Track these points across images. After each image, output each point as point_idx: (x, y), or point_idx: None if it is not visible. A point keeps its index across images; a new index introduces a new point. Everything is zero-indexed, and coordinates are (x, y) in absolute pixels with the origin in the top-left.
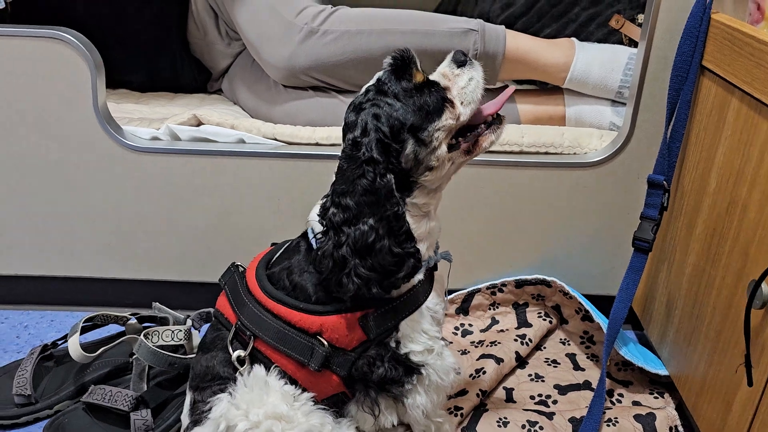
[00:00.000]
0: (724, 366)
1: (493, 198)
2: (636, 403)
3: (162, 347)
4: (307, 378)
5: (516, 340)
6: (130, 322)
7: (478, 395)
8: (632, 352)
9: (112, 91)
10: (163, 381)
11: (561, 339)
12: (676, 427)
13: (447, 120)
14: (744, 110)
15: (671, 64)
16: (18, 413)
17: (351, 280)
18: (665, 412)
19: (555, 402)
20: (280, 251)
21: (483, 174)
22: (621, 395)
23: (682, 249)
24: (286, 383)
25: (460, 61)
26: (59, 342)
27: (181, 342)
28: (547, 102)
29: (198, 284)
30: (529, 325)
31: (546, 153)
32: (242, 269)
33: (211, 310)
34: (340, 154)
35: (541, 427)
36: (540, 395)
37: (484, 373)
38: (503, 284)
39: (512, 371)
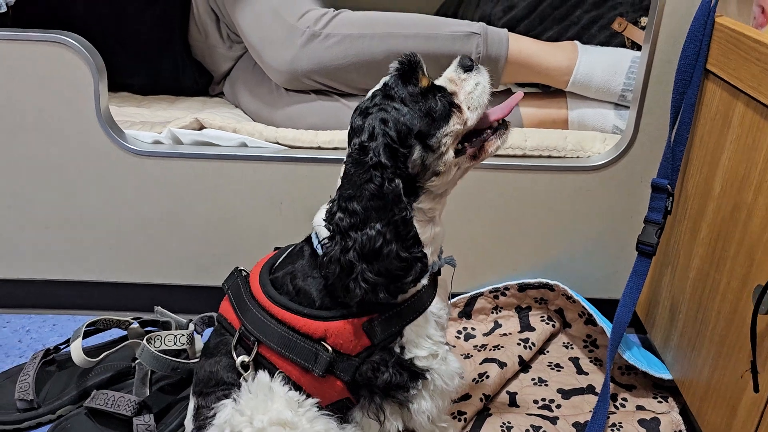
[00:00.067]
0: (729, 371)
1: (496, 201)
2: (640, 408)
3: (165, 352)
4: (312, 383)
5: (519, 344)
6: (132, 326)
7: (481, 399)
8: (636, 357)
9: (114, 94)
10: (165, 385)
11: (564, 343)
12: (680, 431)
13: (454, 125)
14: (749, 115)
15: (675, 67)
16: (20, 418)
17: (358, 285)
18: (669, 416)
19: (559, 406)
20: (284, 256)
21: (486, 177)
22: (625, 399)
23: (686, 253)
24: (290, 389)
25: (467, 66)
26: (62, 346)
27: (184, 346)
28: (550, 105)
29: (200, 288)
30: (532, 329)
31: (549, 156)
32: (245, 274)
33: (214, 314)
34: (344, 158)
35: None
36: (543, 399)
37: (488, 377)
38: (506, 288)
39: (515, 375)
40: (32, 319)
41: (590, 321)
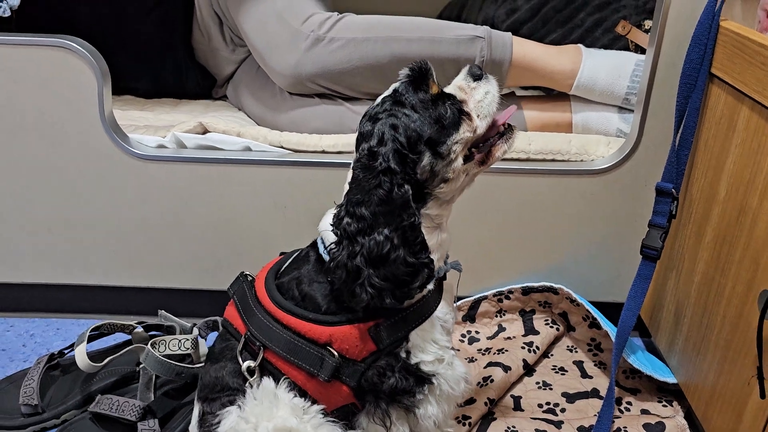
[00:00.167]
0: (735, 376)
1: (500, 205)
2: (645, 412)
3: (169, 356)
4: (317, 389)
5: (523, 348)
6: (136, 330)
7: (486, 404)
8: (640, 360)
9: (117, 98)
10: (170, 390)
11: (568, 346)
12: None
13: (465, 133)
14: (755, 119)
15: (679, 71)
16: (25, 423)
17: (364, 290)
18: (675, 421)
19: (563, 410)
20: (289, 261)
21: (490, 181)
22: (629, 403)
23: (690, 257)
24: (295, 395)
25: (476, 75)
26: (66, 351)
27: (188, 351)
28: (554, 109)
29: (203, 292)
30: (536, 333)
31: (553, 160)
32: (251, 279)
33: (218, 318)
34: (351, 162)
35: None
36: (548, 403)
37: (492, 381)
38: (510, 291)
39: (520, 379)
40: (36, 323)
41: (594, 324)
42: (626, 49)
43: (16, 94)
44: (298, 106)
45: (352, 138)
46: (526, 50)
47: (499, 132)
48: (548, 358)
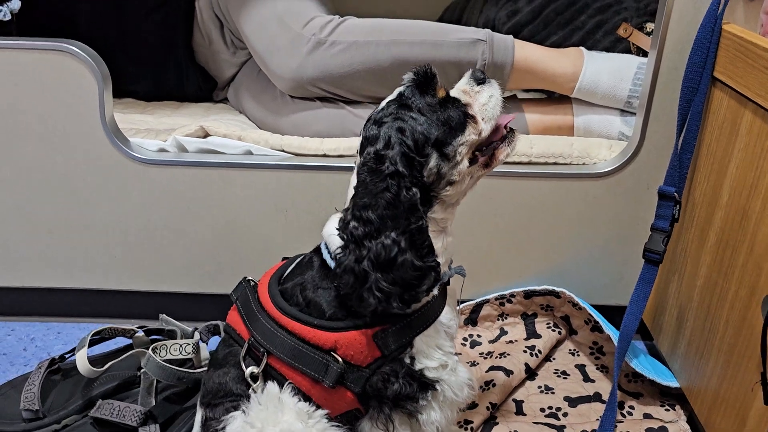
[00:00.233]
0: (738, 380)
1: (502, 208)
2: (647, 416)
3: (170, 361)
4: (321, 395)
5: (525, 351)
6: (137, 335)
7: (488, 408)
8: (643, 364)
9: (117, 101)
10: (171, 395)
11: (570, 350)
12: None
13: (470, 135)
14: (758, 123)
15: (682, 74)
16: (26, 428)
17: (372, 295)
18: (677, 425)
19: (566, 414)
20: (293, 266)
21: (492, 185)
22: (632, 407)
23: (693, 261)
24: (300, 400)
25: (479, 79)
26: (67, 355)
27: (190, 355)
28: (556, 112)
29: (204, 295)
30: (538, 336)
31: (555, 163)
32: (254, 284)
33: (219, 322)
34: (353, 166)
35: None
36: (550, 407)
37: (494, 385)
38: (512, 295)
39: (522, 383)
40: (37, 327)
41: (596, 328)
42: (628, 51)
43: (16, 98)
44: (299, 110)
45: (353, 141)
46: (528, 53)
47: (502, 135)
48: (550, 361)
